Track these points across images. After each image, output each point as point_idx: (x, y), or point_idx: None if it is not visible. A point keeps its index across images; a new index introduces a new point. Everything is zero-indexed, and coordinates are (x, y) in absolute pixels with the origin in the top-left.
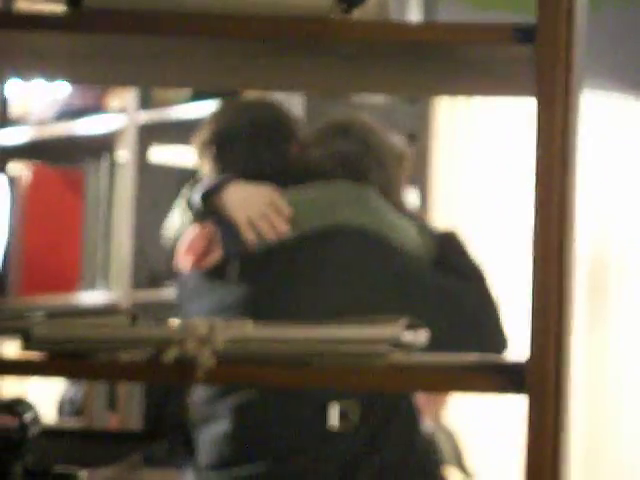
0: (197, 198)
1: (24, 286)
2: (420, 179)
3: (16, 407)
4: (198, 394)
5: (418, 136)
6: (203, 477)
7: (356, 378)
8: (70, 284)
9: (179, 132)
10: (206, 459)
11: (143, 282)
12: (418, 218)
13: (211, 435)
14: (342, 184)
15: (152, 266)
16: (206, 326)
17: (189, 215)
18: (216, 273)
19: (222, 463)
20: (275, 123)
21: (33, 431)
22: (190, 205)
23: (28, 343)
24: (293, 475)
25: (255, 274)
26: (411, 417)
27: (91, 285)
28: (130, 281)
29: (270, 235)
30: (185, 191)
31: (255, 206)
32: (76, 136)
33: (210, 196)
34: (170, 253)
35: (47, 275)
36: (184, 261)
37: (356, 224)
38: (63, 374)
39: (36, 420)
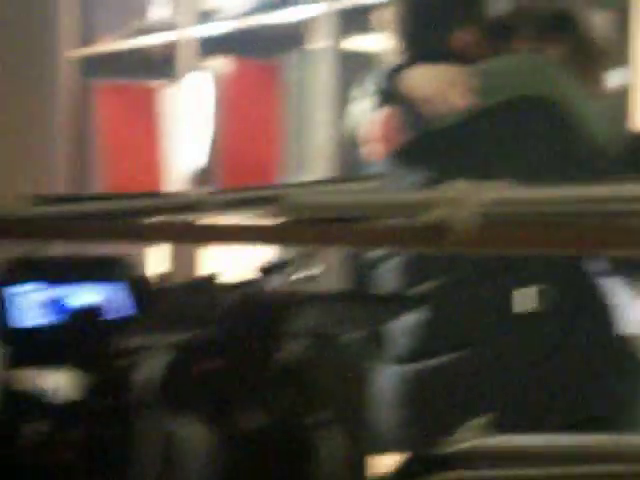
0: (380, 82)
1: (224, 179)
2: (624, 59)
3: (283, 269)
4: (386, 284)
5: (623, 11)
6: (393, 369)
7: (623, 237)
8: (269, 175)
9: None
10: (397, 350)
11: (341, 171)
12: (615, 105)
13: (401, 325)
14: (528, 56)
15: (351, 155)
16: (462, 188)
17: (373, 100)
18: (404, 156)
19: (413, 354)
20: (457, 3)
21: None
22: (373, 90)
23: (279, 210)
24: (485, 363)
25: (442, 151)
26: (607, 309)
27: (291, 176)
28: (329, 171)
29: (454, 111)
30: (368, 76)
31: (437, 83)
32: (272, 26)
33: (393, 78)
34: (356, 141)
35: (246, 167)
36: (371, 147)
37: (542, 96)
38: (314, 241)
39: (309, 279)
